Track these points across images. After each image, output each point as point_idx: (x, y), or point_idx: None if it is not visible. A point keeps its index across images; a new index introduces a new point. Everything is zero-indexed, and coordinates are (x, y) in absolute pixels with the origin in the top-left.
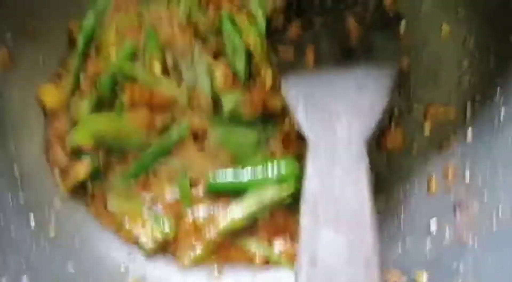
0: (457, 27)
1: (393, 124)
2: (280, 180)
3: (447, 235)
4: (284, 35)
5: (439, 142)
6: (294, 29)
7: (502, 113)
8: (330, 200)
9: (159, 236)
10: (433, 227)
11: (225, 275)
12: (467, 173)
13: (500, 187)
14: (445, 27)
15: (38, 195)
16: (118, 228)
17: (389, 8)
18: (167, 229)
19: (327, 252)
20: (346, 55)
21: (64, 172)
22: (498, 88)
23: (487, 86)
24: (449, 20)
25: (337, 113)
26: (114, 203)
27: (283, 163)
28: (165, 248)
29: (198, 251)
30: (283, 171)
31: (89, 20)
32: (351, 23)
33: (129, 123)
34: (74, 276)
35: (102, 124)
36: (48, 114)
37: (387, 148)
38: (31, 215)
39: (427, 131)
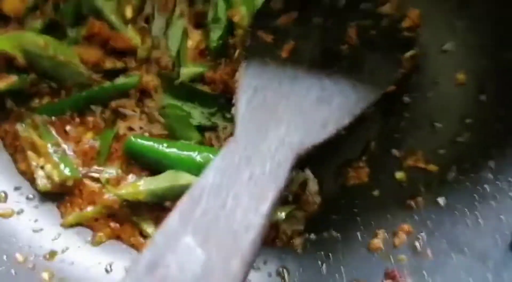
0: (473, 79)
1: (364, 159)
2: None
3: None
4: (272, 22)
5: (405, 197)
6: (285, 19)
7: (486, 193)
8: (216, 206)
9: (56, 177)
10: None
11: (101, 247)
12: (418, 243)
13: (445, 273)
14: (461, 75)
15: None
16: (18, 156)
17: (405, 32)
18: (67, 173)
19: (174, 262)
20: (326, 63)
21: None
22: (492, 164)
23: (481, 156)
24: (468, 68)
25: (280, 119)
26: (26, 129)
27: (212, 151)
28: (59, 194)
29: (88, 210)
30: (207, 159)
31: None
32: (351, 33)
33: (76, 56)
34: None
35: (40, 43)
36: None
37: (347, 181)
38: None
39: (396, 181)
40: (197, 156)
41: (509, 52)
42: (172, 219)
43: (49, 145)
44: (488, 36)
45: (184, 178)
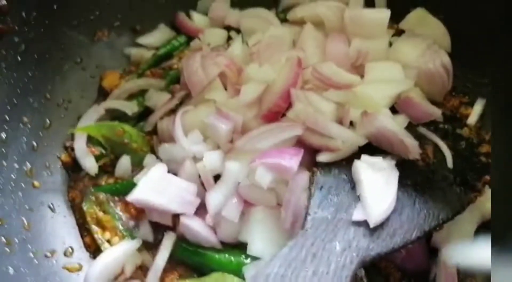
0: None
1: None
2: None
3: None
4: None
5: None
6: None
7: None
8: None
9: None
10: None
11: None
12: None
13: None
14: None
15: (48, 149)
16: (83, 229)
17: (482, 157)
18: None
19: None
20: (401, 175)
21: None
22: None
23: None
24: None
25: (350, 221)
26: (90, 206)
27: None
28: None
29: None
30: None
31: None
32: (428, 150)
33: (147, 144)
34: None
35: (119, 132)
36: (100, 96)
37: None
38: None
39: None
40: (246, 259)
41: None
42: None
43: (115, 217)
44: None
45: (231, 281)
